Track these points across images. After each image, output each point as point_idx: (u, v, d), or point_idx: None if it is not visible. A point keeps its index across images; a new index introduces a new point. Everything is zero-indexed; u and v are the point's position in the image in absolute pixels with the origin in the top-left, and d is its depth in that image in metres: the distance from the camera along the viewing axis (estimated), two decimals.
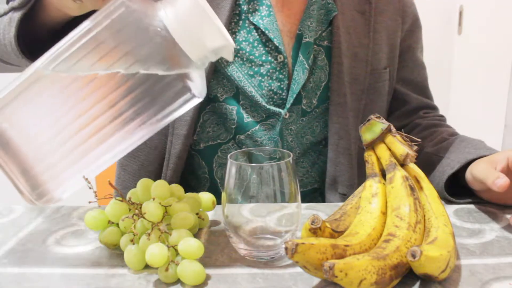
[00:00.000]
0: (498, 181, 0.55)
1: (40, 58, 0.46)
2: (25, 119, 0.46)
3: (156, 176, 0.75)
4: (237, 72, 0.72)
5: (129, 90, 0.44)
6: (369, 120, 0.55)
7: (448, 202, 0.65)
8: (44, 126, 0.46)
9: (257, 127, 0.75)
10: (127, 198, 0.53)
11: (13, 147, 0.46)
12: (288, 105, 0.73)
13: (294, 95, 0.73)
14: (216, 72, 0.72)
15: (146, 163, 0.76)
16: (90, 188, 0.52)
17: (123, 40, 0.44)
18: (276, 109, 0.73)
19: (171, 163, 0.74)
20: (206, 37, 0.45)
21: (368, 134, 0.55)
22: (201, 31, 0.45)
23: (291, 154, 0.49)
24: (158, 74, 0.44)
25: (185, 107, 0.47)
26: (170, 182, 0.74)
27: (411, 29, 0.84)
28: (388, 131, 0.54)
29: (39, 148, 0.46)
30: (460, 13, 2.25)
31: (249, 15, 0.72)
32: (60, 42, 0.46)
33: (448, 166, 0.67)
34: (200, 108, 0.74)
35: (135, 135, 0.47)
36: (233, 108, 0.74)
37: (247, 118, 0.74)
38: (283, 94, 0.73)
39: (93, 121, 0.45)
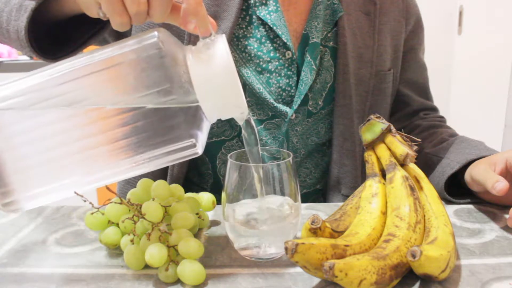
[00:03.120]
0: (498, 185, 0.55)
1: (47, 67, 0.43)
2: (13, 127, 0.43)
3: (163, 172, 0.75)
4: (245, 68, 0.71)
5: (128, 122, 0.42)
6: (369, 120, 0.55)
7: (448, 202, 0.65)
8: (30, 140, 0.43)
9: (261, 126, 0.74)
10: (127, 199, 0.53)
11: None
12: (295, 106, 0.73)
13: (302, 96, 0.73)
14: None
15: None
16: (84, 201, 0.51)
17: (143, 81, 0.41)
18: (283, 108, 0.73)
19: None
20: (229, 105, 0.44)
21: (368, 134, 0.55)
22: (227, 98, 0.43)
23: (291, 154, 0.49)
24: (166, 113, 0.41)
25: (181, 154, 0.44)
26: (176, 178, 0.74)
27: (414, 30, 0.84)
28: (388, 131, 0.54)
29: (19, 160, 0.44)
30: (460, 13, 2.25)
31: (256, 9, 0.71)
32: (73, 59, 0.43)
33: (448, 166, 0.67)
34: None
35: (120, 167, 0.45)
36: None
37: (252, 116, 0.74)
38: (292, 91, 0.73)
39: (80, 146, 0.43)
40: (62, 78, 0.42)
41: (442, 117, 0.87)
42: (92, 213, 0.52)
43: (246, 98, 0.73)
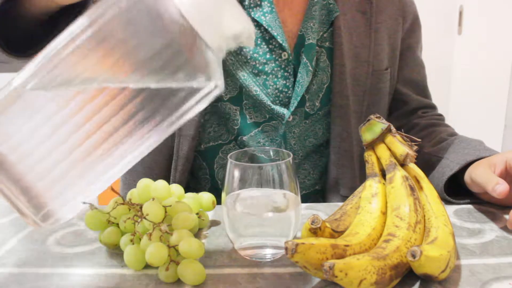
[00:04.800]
0: (498, 188, 0.55)
1: (24, 70, 0.40)
2: (15, 135, 0.41)
3: (164, 178, 0.74)
4: (241, 71, 0.71)
5: (140, 84, 0.39)
6: (369, 120, 0.55)
7: (448, 202, 0.65)
8: (38, 142, 0.41)
9: (259, 128, 0.74)
10: (127, 199, 0.53)
11: (8, 166, 0.41)
12: (292, 108, 0.73)
13: (299, 98, 0.72)
14: None
15: (152, 165, 0.75)
16: (84, 203, 0.50)
17: (134, 31, 0.38)
18: (280, 110, 0.73)
19: (179, 164, 0.73)
20: (226, 22, 0.41)
21: (368, 134, 0.55)
22: (221, 15, 0.40)
23: (291, 154, 0.49)
24: (168, 55, 0.38)
25: (204, 102, 0.41)
26: (179, 183, 0.73)
27: (411, 29, 0.83)
28: (388, 131, 0.54)
29: (37, 165, 0.42)
30: (460, 13, 2.25)
31: (251, 10, 0.71)
32: (52, 44, 0.39)
33: (447, 167, 0.67)
34: None
35: (146, 141, 0.41)
36: (236, 108, 0.73)
37: (250, 119, 0.74)
38: (289, 92, 0.73)
39: (94, 133, 0.40)
40: (54, 60, 0.39)
41: (440, 115, 0.87)
42: (92, 209, 0.52)
43: (243, 100, 0.73)
